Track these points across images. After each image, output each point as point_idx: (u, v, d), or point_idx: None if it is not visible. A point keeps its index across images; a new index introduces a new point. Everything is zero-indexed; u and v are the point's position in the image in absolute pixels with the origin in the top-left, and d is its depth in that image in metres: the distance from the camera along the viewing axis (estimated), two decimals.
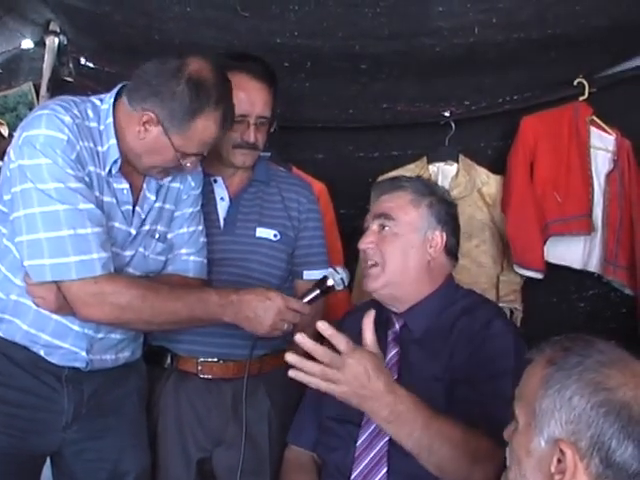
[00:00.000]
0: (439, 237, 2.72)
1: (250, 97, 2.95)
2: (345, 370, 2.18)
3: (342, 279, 2.66)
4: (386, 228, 2.70)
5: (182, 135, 2.53)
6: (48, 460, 2.80)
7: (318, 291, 2.67)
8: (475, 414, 2.33)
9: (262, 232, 3.06)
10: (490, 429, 2.25)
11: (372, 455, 2.52)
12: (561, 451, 1.63)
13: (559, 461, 1.64)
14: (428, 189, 2.79)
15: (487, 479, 2.25)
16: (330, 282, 2.66)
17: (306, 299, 2.65)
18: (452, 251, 2.77)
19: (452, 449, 2.26)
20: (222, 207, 3.07)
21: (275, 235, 3.07)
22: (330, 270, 2.68)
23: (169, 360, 3.01)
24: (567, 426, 1.64)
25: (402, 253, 2.68)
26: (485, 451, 2.26)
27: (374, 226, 2.73)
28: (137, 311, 2.53)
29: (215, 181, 3.07)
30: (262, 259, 3.05)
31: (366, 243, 2.72)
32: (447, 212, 2.77)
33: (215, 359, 2.99)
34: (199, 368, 2.98)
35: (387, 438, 2.49)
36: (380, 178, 3.72)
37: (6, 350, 2.59)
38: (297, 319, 2.64)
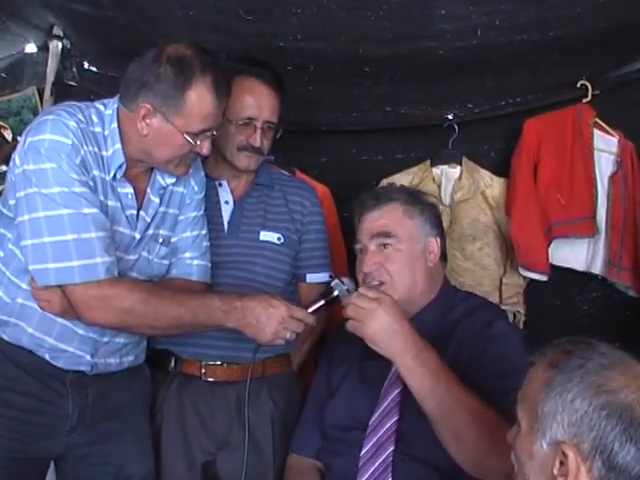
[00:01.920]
0: (434, 243, 2.72)
1: (259, 101, 2.96)
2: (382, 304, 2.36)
3: (348, 290, 2.63)
4: (388, 246, 2.68)
5: (181, 114, 2.52)
6: (52, 464, 2.80)
7: (323, 301, 2.64)
8: None
9: (266, 235, 3.07)
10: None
11: (377, 463, 2.51)
12: (563, 453, 1.64)
13: (561, 464, 1.65)
14: (414, 197, 2.77)
15: (505, 467, 2.24)
16: (336, 293, 2.63)
17: (311, 309, 2.63)
18: (444, 254, 2.78)
19: (473, 417, 2.26)
20: (226, 210, 3.07)
21: (279, 238, 3.08)
22: (336, 281, 2.65)
23: (173, 363, 3.01)
24: (569, 429, 1.64)
25: (409, 268, 2.67)
26: (503, 435, 2.26)
27: (372, 246, 2.71)
28: (140, 315, 2.53)
29: (220, 184, 3.07)
30: (266, 262, 3.05)
31: (370, 266, 2.68)
32: (436, 215, 2.78)
33: (219, 362, 2.99)
34: (203, 371, 2.99)
35: (392, 448, 2.49)
36: (384, 181, 3.72)
37: (11, 354, 2.60)
38: (300, 328, 2.60)
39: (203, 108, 2.54)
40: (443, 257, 2.77)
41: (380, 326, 2.35)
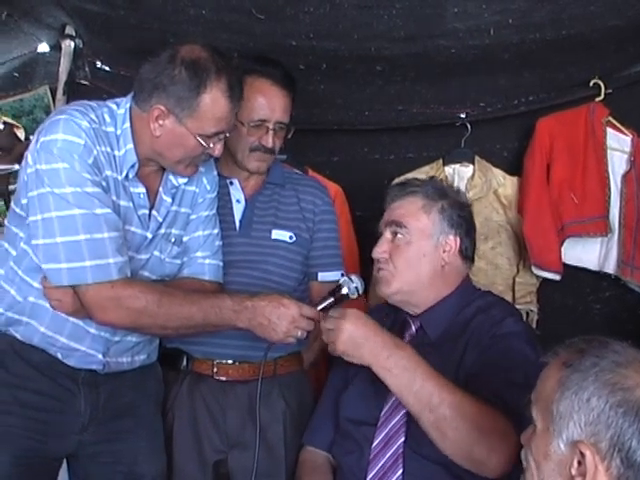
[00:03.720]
0: (452, 241, 2.71)
1: (271, 103, 2.96)
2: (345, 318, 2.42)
3: (356, 287, 2.65)
4: (398, 236, 2.70)
5: (194, 117, 2.52)
6: (64, 462, 2.81)
7: (332, 299, 2.64)
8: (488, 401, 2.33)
9: (278, 234, 3.07)
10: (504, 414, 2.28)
11: (387, 457, 2.53)
12: (581, 453, 1.63)
13: (579, 463, 1.64)
14: (439, 193, 2.77)
15: (494, 457, 2.25)
16: (344, 290, 2.64)
17: (320, 307, 2.63)
18: (467, 253, 2.76)
19: (452, 409, 2.27)
20: (238, 209, 3.07)
21: (291, 237, 3.07)
22: (345, 278, 2.66)
23: (184, 362, 3.01)
24: (586, 428, 1.64)
25: (414, 261, 2.68)
26: (492, 425, 2.26)
27: (387, 234, 2.74)
28: (153, 316, 2.53)
29: (231, 183, 3.07)
30: (278, 261, 3.05)
31: (379, 253, 2.73)
32: (460, 215, 2.75)
33: (230, 361, 2.99)
34: (215, 370, 2.99)
35: (402, 439, 2.50)
36: (395, 180, 3.71)
37: (23, 353, 2.61)
38: (311, 327, 2.61)
39: (217, 111, 2.54)
40: (467, 257, 2.76)
41: (347, 338, 2.41)
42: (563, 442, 1.67)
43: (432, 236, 2.70)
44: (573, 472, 1.65)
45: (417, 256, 2.68)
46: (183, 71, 2.48)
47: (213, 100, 2.51)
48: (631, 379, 1.65)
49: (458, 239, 2.72)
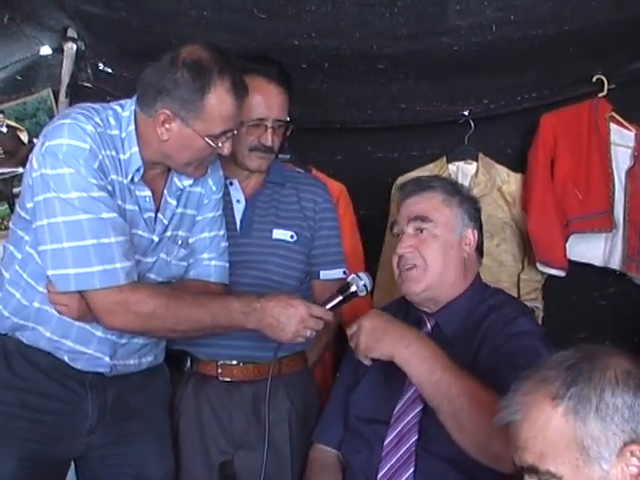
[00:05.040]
0: (471, 235, 2.73)
1: (268, 101, 2.94)
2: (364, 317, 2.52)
3: (365, 285, 2.65)
4: (424, 230, 2.69)
5: (201, 118, 2.51)
6: (73, 465, 2.81)
7: (341, 297, 2.65)
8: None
9: (279, 234, 3.06)
10: None
11: (399, 455, 2.53)
12: (631, 453, 1.60)
13: (635, 465, 1.60)
14: (455, 188, 2.81)
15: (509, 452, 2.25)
16: (353, 288, 2.65)
17: (329, 305, 2.64)
18: (481, 248, 2.79)
19: (471, 400, 2.29)
20: (238, 209, 3.06)
21: (292, 236, 3.06)
22: (353, 276, 2.67)
23: (189, 364, 3.01)
24: (624, 427, 1.61)
25: (443, 254, 2.68)
26: None
27: (410, 230, 2.72)
28: (161, 319, 2.53)
29: (231, 183, 3.06)
30: (280, 261, 3.04)
31: (405, 248, 2.70)
32: (476, 209, 2.79)
33: (235, 362, 2.98)
34: (219, 371, 2.98)
35: (415, 437, 2.50)
36: (400, 178, 3.72)
37: (30, 356, 2.61)
38: (320, 326, 2.62)
39: (223, 110, 2.53)
40: (480, 252, 2.78)
41: (367, 335, 2.48)
42: (606, 461, 1.61)
43: (456, 229, 2.72)
44: (634, 471, 1.61)
45: (446, 248, 2.69)
46: (185, 73, 2.47)
47: (218, 100, 2.51)
48: (625, 364, 1.66)
49: (476, 233, 2.74)
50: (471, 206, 2.78)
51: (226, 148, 2.62)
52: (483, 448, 2.29)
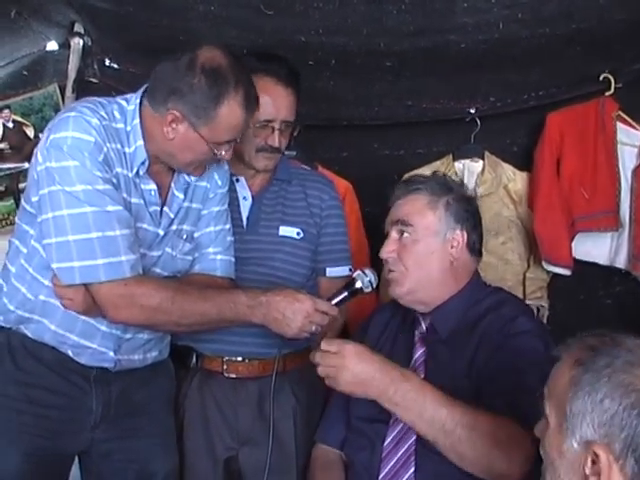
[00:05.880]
0: (459, 236, 2.69)
1: (276, 102, 2.94)
2: (346, 357, 2.36)
3: (370, 281, 2.66)
4: (405, 235, 2.68)
5: (210, 126, 2.52)
6: (77, 460, 2.81)
7: (346, 293, 2.66)
8: (499, 407, 2.32)
9: (285, 230, 3.07)
10: (516, 420, 2.27)
11: (400, 454, 2.52)
12: (595, 453, 1.62)
13: (593, 462, 1.63)
14: (444, 188, 2.75)
15: (514, 467, 2.25)
16: (358, 284, 2.66)
17: (334, 301, 2.65)
18: (475, 248, 2.75)
19: (468, 431, 2.27)
20: (245, 206, 3.07)
21: (298, 233, 3.07)
22: (359, 272, 2.68)
23: (194, 360, 3.02)
24: (599, 429, 1.62)
25: (423, 259, 2.66)
26: (508, 436, 2.25)
27: (393, 233, 2.72)
28: (167, 313, 2.54)
29: (237, 180, 3.07)
30: (286, 257, 3.05)
31: (387, 252, 2.71)
32: (466, 209, 2.74)
33: (240, 358, 2.99)
34: (224, 367, 2.99)
35: (415, 437, 2.49)
36: (405, 176, 3.71)
37: (34, 350, 2.61)
38: (325, 321, 2.63)
39: (232, 121, 2.54)
40: (474, 251, 2.75)
41: (351, 378, 2.37)
42: (576, 441, 1.66)
43: (439, 232, 2.68)
44: (587, 471, 1.64)
45: (425, 254, 2.66)
46: (203, 80, 2.47)
47: (230, 111, 2.52)
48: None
49: (465, 233, 2.70)
50: (461, 207, 2.72)
51: (227, 155, 2.63)
52: (486, 469, 2.29)
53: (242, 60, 2.62)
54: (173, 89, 2.50)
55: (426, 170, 3.77)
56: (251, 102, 2.57)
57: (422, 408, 2.30)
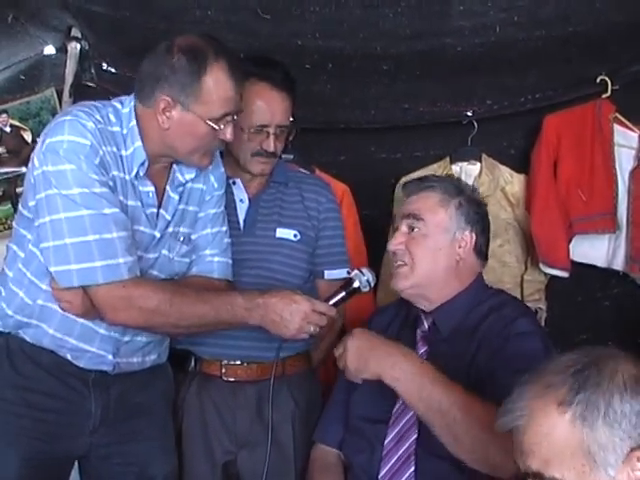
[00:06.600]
0: (468, 237, 2.71)
1: (271, 107, 2.94)
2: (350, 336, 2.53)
3: (368, 281, 2.67)
4: (415, 229, 2.70)
5: (200, 101, 2.51)
6: (76, 464, 2.81)
7: (344, 293, 2.67)
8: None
9: (282, 233, 3.06)
10: None
11: (399, 455, 2.54)
12: (637, 459, 1.58)
13: None
14: (457, 189, 2.78)
15: (510, 459, 2.23)
16: (356, 284, 2.66)
17: (332, 301, 2.65)
18: (481, 251, 2.77)
19: (464, 412, 2.29)
20: (241, 209, 3.07)
21: (295, 235, 3.07)
22: (356, 272, 2.68)
23: (193, 363, 3.02)
24: (633, 432, 1.59)
25: (431, 254, 2.68)
26: None
27: (403, 227, 2.74)
28: (165, 315, 2.53)
29: (234, 183, 3.07)
30: (283, 260, 3.04)
31: (395, 244, 2.72)
32: (476, 212, 2.77)
33: (239, 362, 2.99)
34: (223, 371, 2.99)
35: (414, 437, 2.51)
36: (404, 179, 3.71)
37: (33, 354, 2.61)
38: (323, 322, 2.62)
39: (221, 92, 2.53)
40: (481, 254, 2.77)
41: (354, 353, 2.49)
42: (612, 467, 1.58)
43: (448, 231, 2.70)
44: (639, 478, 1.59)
45: (433, 249, 2.69)
46: (182, 57, 2.48)
47: (216, 81, 2.51)
48: (632, 369, 1.64)
49: (474, 235, 2.73)
50: (472, 209, 2.75)
51: (228, 133, 2.61)
52: (481, 458, 2.29)
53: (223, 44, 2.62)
54: (157, 77, 2.51)
55: (423, 173, 3.76)
56: (236, 70, 2.55)
57: (421, 384, 2.34)
